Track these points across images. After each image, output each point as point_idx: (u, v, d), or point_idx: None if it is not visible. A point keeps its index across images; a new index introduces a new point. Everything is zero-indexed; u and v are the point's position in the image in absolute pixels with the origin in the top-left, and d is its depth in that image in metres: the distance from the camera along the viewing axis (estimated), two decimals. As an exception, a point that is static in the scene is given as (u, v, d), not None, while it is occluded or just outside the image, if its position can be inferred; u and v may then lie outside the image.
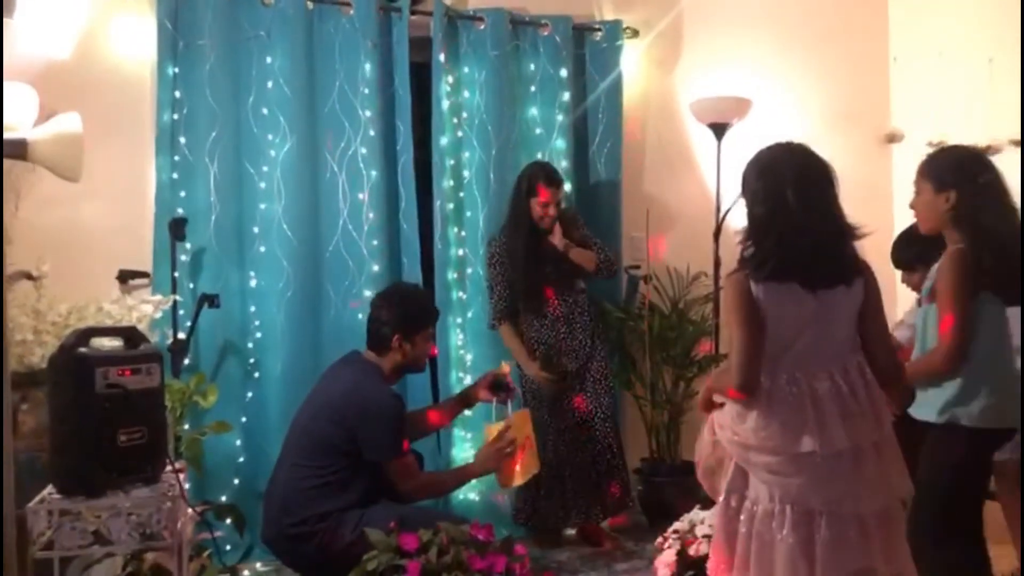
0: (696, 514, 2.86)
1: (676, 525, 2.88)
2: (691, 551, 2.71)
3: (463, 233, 4.06)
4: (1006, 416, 2.38)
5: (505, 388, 3.38)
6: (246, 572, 3.42)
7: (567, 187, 4.15)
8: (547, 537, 3.80)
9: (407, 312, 3.13)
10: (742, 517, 2.04)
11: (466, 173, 4.05)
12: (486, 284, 3.90)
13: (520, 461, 3.21)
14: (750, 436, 2.01)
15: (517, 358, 3.76)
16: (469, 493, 3.96)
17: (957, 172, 2.44)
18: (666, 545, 2.83)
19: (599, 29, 4.28)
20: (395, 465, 3.00)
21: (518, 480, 3.27)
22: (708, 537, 2.70)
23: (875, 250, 4.13)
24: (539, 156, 4.14)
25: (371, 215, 3.85)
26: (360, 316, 3.81)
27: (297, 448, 3.04)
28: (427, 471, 3.33)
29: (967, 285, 2.33)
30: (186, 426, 3.40)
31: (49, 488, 2.13)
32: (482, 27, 4.04)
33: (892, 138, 4.86)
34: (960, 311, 2.31)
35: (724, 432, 2.09)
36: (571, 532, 3.87)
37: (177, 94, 3.64)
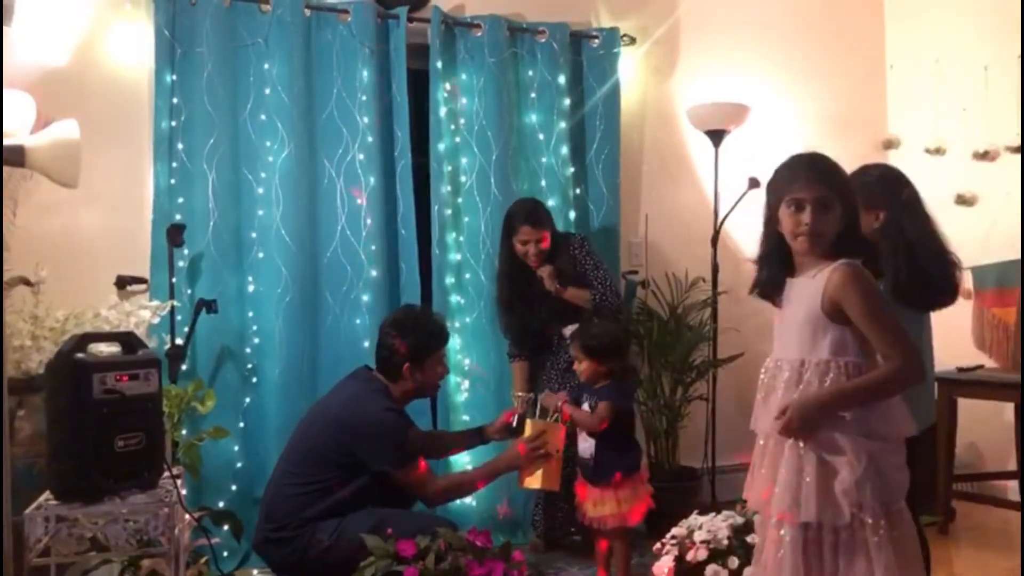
0: (694, 520, 2.86)
1: (674, 531, 2.88)
2: (689, 557, 2.71)
3: (461, 238, 4.06)
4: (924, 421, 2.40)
5: (519, 431, 3.27)
6: (243, 579, 3.41)
7: (569, 193, 4.17)
8: (545, 541, 3.82)
9: (418, 341, 3.11)
10: None
11: (464, 179, 4.06)
12: None
13: (543, 468, 3.11)
14: None
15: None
16: (466, 499, 3.95)
17: (883, 191, 2.56)
18: (664, 551, 2.83)
19: (596, 36, 4.29)
20: (406, 475, 2.99)
21: (533, 484, 3.16)
22: (706, 543, 2.71)
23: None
24: (540, 161, 4.16)
25: (369, 221, 3.85)
26: (358, 321, 3.83)
27: (290, 455, 3.08)
28: (450, 473, 3.25)
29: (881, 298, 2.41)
30: (184, 432, 3.39)
31: (46, 494, 2.13)
32: (479, 34, 4.05)
33: (889, 145, 4.88)
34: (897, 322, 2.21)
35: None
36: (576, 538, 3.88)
37: (175, 101, 3.64)
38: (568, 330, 3.53)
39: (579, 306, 3.68)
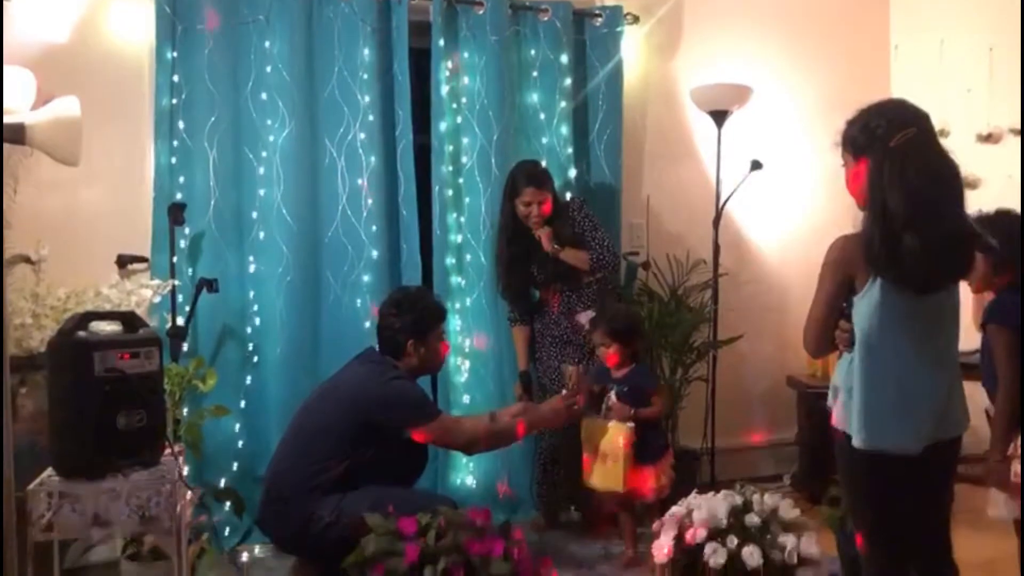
0: (693, 499, 2.87)
1: (673, 510, 2.88)
2: (688, 536, 2.72)
3: (462, 219, 4.05)
4: (894, 439, 2.06)
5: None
6: (244, 555, 3.43)
7: (571, 173, 4.15)
8: (545, 519, 3.86)
9: (418, 317, 3.16)
10: None
11: (465, 159, 4.04)
12: None
13: (600, 467, 3.27)
14: None
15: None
16: (466, 477, 3.97)
17: (867, 137, 2.10)
18: (663, 530, 2.84)
19: (599, 15, 4.26)
20: (433, 429, 3.03)
21: (595, 483, 3.34)
22: (705, 522, 2.72)
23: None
24: (542, 141, 4.14)
25: (370, 201, 3.84)
26: (359, 302, 3.83)
27: (296, 434, 3.10)
28: (478, 422, 3.26)
29: (827, 275, 2.11)
30: (185, 410, 3.41)
31: (49, 471, 2.13)
32: (481, 12, 4.02)
33: (892, 126, 4.85)
34: (815, 297, 2.15)
35: None
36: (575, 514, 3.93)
37: (176, 79, 3.62)
38: (584, 316, 3.56)
39: (577, 267, 3.71)
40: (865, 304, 2.06)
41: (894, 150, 2.03)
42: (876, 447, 2.05)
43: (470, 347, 4.03)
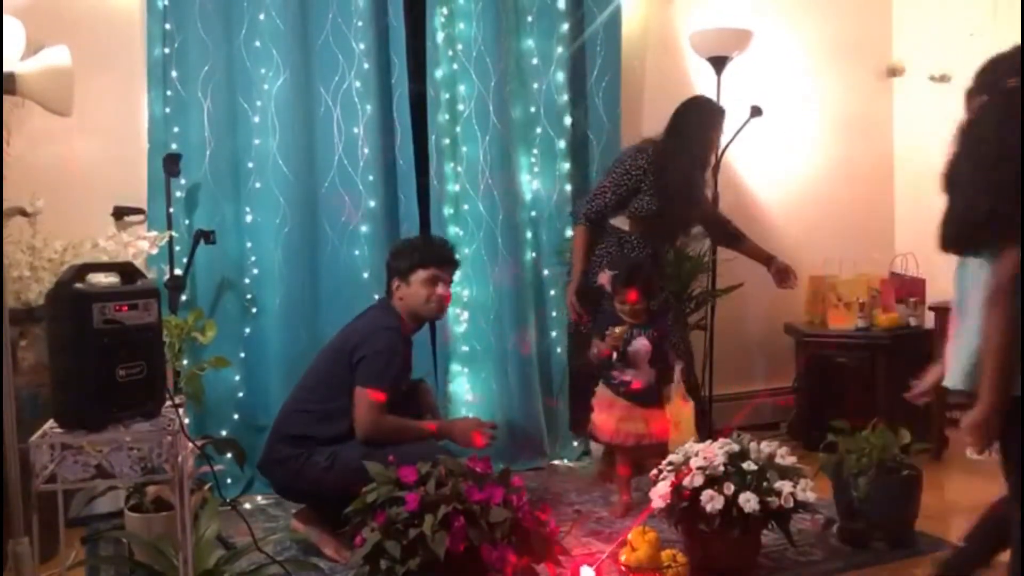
0: (691, 446, 2.89)
1: (671, 457, 2.91)
2: (685, 482, 2.75)
3: (460, 169, 4.01)
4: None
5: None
6: (247, 505, 3.47)
7: (567, 121, 4.11)
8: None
9: (401, 255, 3.18)
10: None
11: (462, 107, 3.99)
12: (603, 179, 3.77)
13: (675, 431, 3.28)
14: None
15: (573, 263, 3.76)
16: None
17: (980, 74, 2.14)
18: (661, 477, 2.87)
19: (596, -42, 4.18)
20: (368, 395, 2.96)
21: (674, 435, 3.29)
22: (702, 469, 2.74)
23: (875, 182, 4.11)
24: (539, 88, 4.08)
25: (366, 150, 3.81)
26: (356, 252, 3.83)
27: (305, 379, 3.16)
28: (393, 420, 3.05)
29: None
30: (185, 362, 3.42)
31: (50, 422, 2.14)
32: (477, -44, 3.94)
33: (893, 72, 4.80)
34: None
35: None
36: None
37: (168, 27, 3.57)
38: (604, 277, 3.45)
39: (721, 225, 3.97)
40: None
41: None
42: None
43: (469, 297, 4.03)
